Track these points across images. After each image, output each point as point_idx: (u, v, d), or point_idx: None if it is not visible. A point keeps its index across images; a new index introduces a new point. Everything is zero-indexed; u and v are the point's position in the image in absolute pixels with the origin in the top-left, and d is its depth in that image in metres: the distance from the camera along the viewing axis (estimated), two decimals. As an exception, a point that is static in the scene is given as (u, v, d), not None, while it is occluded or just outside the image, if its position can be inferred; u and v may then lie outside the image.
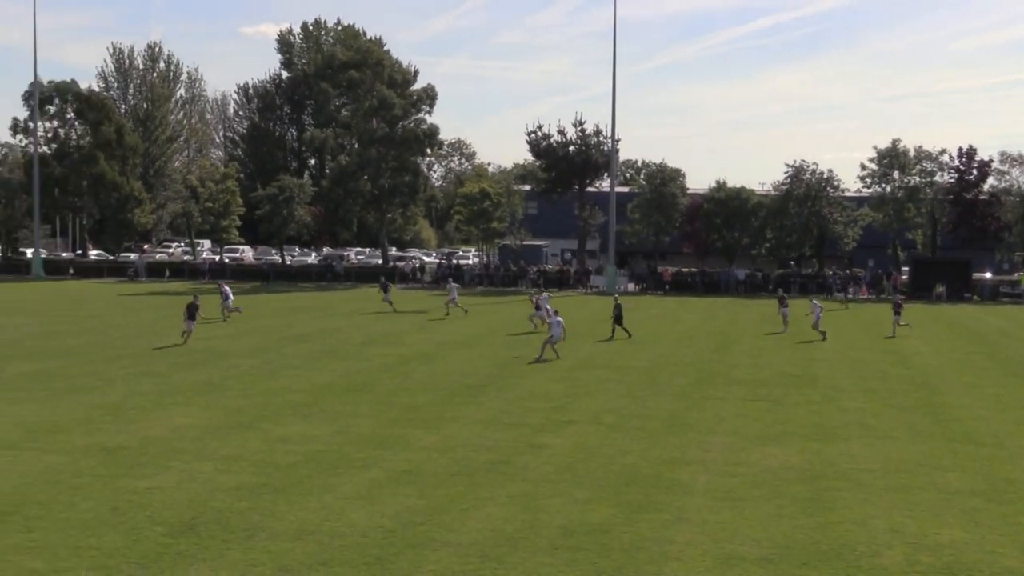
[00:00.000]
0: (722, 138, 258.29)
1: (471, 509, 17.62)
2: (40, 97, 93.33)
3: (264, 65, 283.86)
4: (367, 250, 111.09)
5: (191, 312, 40.41)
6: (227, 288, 52.05)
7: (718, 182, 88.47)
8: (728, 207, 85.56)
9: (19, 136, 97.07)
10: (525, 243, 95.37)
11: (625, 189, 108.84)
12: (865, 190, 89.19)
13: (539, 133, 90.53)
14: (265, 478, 19.40)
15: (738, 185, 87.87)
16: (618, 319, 44.23)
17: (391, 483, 19.21)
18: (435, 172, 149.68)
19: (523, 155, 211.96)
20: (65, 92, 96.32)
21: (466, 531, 16.41)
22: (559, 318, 38.36)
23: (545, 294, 52.77)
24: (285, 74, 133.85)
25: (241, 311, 51.01)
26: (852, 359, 38.60)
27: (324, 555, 15.16)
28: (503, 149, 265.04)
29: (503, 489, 18.92)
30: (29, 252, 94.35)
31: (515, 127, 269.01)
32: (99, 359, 35.92)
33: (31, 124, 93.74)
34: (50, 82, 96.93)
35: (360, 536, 16.05)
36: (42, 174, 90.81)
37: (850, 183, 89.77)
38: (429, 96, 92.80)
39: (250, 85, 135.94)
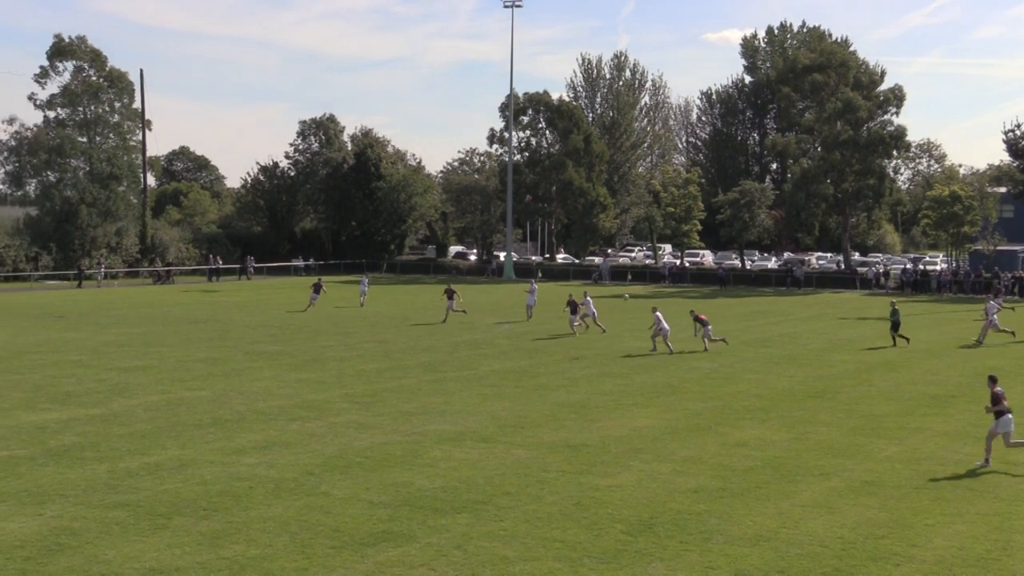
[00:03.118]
0: None
1: (937, 525, 16.88)
2: (515, 108, 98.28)
3: (727, 70, 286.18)
4: (828, 255, 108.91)
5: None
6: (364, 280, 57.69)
7: None
8: None
9: (495, 145, 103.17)
10: (999, 248, 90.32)
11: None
12: None
13: (1017, 132, 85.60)
14: (722, 482, 19.44)
15: None
16: (895, 325, 42.37)
17: (851, 493, 18.73)
18: (901, 175, 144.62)
19: (999, 156, 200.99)
20: (537, 103, 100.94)
21: (931, 548, 15.72)
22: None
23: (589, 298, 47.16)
24: (748, 79, 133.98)
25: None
26: None
27: (780, 562, 14.98)
28: (976, 150, 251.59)
29: (972, 506, 17.99)
30: (502, 255, 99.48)
31: (990, 127, 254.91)
32: (564, 359, 37.33)
33: (506, 134, 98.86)
34: (524, 94, 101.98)
35: (818, 546, 15.74)
36: (515, 181, 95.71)
37: None
38: (896, 97, 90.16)
39: (713, 91, 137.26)
